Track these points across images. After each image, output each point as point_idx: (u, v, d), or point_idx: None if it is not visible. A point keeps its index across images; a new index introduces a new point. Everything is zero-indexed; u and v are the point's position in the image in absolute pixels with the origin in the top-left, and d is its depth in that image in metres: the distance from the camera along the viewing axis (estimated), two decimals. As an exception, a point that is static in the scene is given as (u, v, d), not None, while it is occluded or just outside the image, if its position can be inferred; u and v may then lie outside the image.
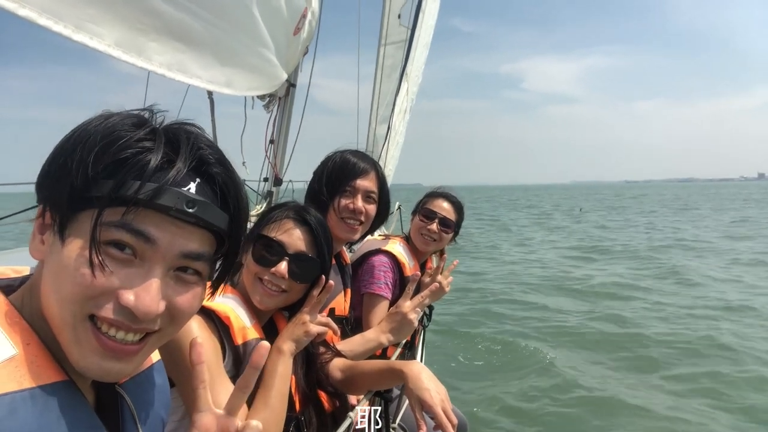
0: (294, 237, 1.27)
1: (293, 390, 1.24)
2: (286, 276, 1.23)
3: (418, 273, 2.14)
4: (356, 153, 1.84)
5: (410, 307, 1.72)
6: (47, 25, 0.87)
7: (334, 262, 1.78)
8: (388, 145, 3.51)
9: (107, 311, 0.61)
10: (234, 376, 1.09)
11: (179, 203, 0.63)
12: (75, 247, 0.61)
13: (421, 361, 2.62)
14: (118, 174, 0.61)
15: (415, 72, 3.95)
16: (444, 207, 2.29)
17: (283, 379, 1.16)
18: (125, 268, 0.62)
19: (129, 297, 0.61)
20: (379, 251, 2.07)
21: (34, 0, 0.83)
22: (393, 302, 1.98)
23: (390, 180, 4.47)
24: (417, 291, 1.90)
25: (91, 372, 0.63)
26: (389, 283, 2.02)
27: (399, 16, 4.69)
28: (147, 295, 0.62)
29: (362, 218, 1.78)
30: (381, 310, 1.96)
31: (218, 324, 1.10)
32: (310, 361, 1.35)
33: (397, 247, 2.15)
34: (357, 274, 2.04)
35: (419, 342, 2.60)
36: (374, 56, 4.45)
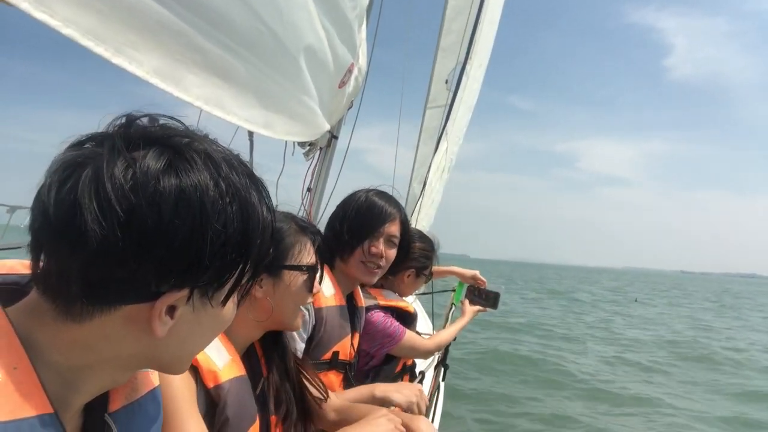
0: (313, 252, 1.28)
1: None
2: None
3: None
4: (382, 195, 1.84)
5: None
6: (88, 45, 0.91)
7: (345, 303, 1.73)
8: (422, 202, 3.49)
9: None
10: (209, 423, 1.00)
11: None
12: (231, 306, 0.68)
13: (432, 421, 2.48)
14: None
15: (456, 132, 4.00)
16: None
17: None
18: None
19: None
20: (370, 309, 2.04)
21: (78, 21, 0.88)
22: None
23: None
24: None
25: (181, 372, 0.71)
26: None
27: (446, 81, 4.83)
28: None
29: (382, 263, 1.75)
30: (413, 337, 2.09)
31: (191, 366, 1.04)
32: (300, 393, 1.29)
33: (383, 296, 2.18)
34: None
35: (434, 401, 2.49)
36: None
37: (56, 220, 0.53)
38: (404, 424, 1.22)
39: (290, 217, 1.32)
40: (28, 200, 0.58)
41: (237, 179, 0.61)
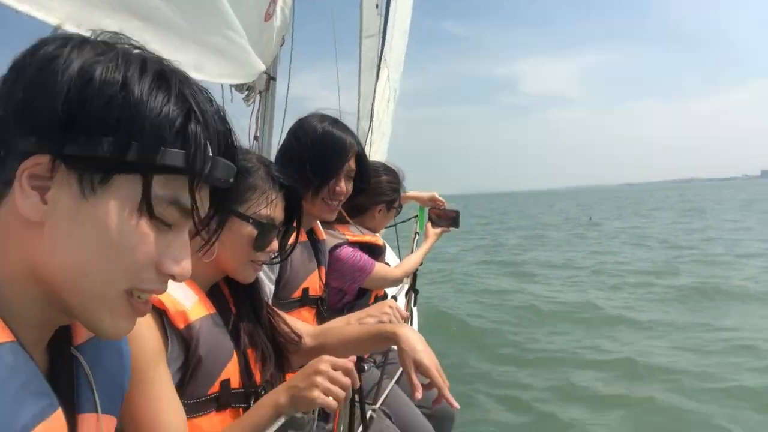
0: (279, 209, 1.20)
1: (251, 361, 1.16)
2: (277, 251, 1.20)
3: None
4: (336, 124, 1.75)
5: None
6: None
7: (306, 238, 1.75)
8: (372, 137, 3.49)
9: (148, 283, 0.61)
10: (184, 363, 1.02)
11: (227, 175, 0.65)
12: (113, 214, 0.57)
13: None
14: (166, 141, 0.57)
15: (395, 59, 3.96)
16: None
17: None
18: (161, 235, 0.61)
19: (172, 267, 0.62)
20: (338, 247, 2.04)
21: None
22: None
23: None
24: None
25: (110, 335, 0.63)
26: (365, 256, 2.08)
27: (377, 6, 4.69)
28: (187, 261, 0.64)
29: (342, 198, 1.75)
30: (383, 268, 2.14)
31: (156, 309, 0.98)
32: (262, 324, 1.24)
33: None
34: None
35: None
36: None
37: None
38: (390, 331, 1.21)
39: (265, 162, 1.20)
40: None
41: (136, 65, 0.59)
